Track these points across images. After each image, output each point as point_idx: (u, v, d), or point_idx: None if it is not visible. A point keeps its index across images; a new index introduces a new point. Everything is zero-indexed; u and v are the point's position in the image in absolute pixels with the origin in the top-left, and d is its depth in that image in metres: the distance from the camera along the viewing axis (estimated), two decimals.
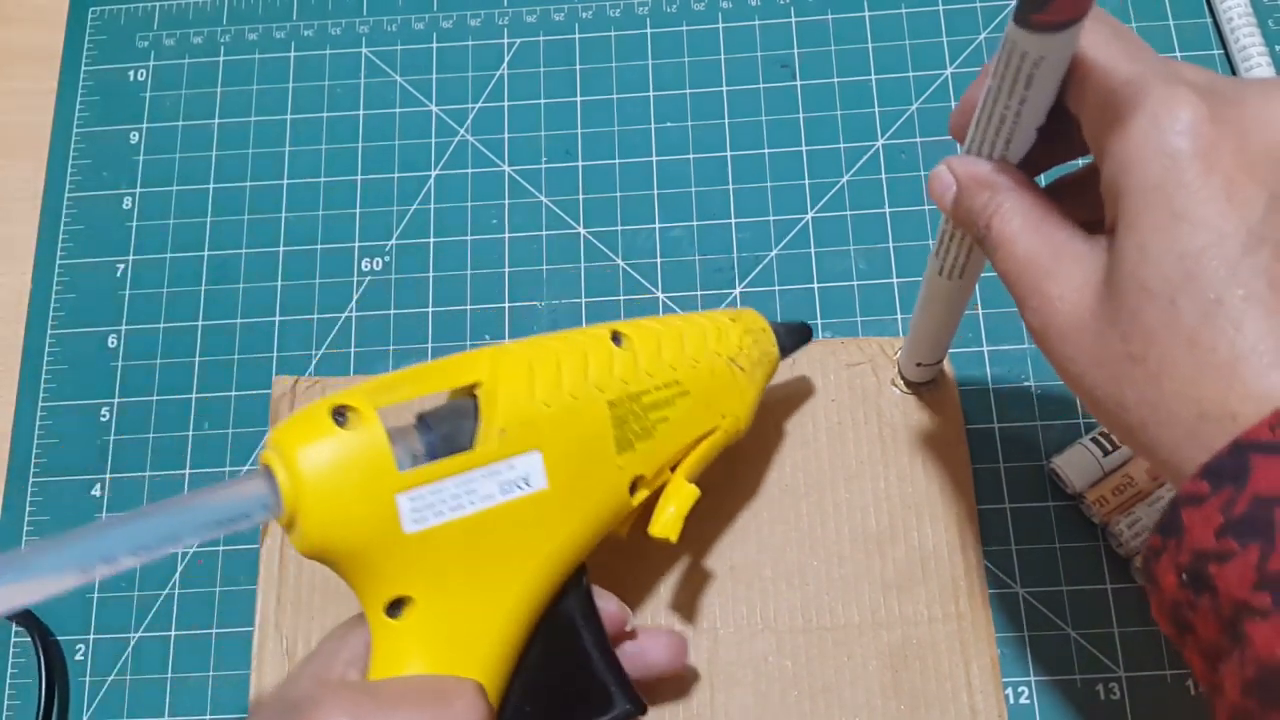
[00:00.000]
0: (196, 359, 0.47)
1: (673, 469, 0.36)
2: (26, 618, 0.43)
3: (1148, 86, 0.25)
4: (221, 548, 0.44)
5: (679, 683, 0.40)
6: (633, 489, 0.34)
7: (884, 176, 0.47)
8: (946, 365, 0.43)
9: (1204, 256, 0.23)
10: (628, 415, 0.33)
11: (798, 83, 0.49)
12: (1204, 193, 0.24)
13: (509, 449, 0.31)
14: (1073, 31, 0.24)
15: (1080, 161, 0.32)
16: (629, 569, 0.41)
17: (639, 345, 0.35)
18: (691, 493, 0.35)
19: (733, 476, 0.42)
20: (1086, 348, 0.26)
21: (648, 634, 0.37)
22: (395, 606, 0.30)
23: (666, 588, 0.41)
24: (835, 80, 0.49)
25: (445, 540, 0.30)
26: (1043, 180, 0.31)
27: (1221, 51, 0.48)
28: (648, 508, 0.35)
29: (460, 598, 0.30)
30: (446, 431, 0.31)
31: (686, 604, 0.41)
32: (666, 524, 0.35)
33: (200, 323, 0.47)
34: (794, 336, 0.40)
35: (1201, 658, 0.24)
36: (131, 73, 0.52)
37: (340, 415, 0.29)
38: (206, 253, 0.48)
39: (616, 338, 0.35)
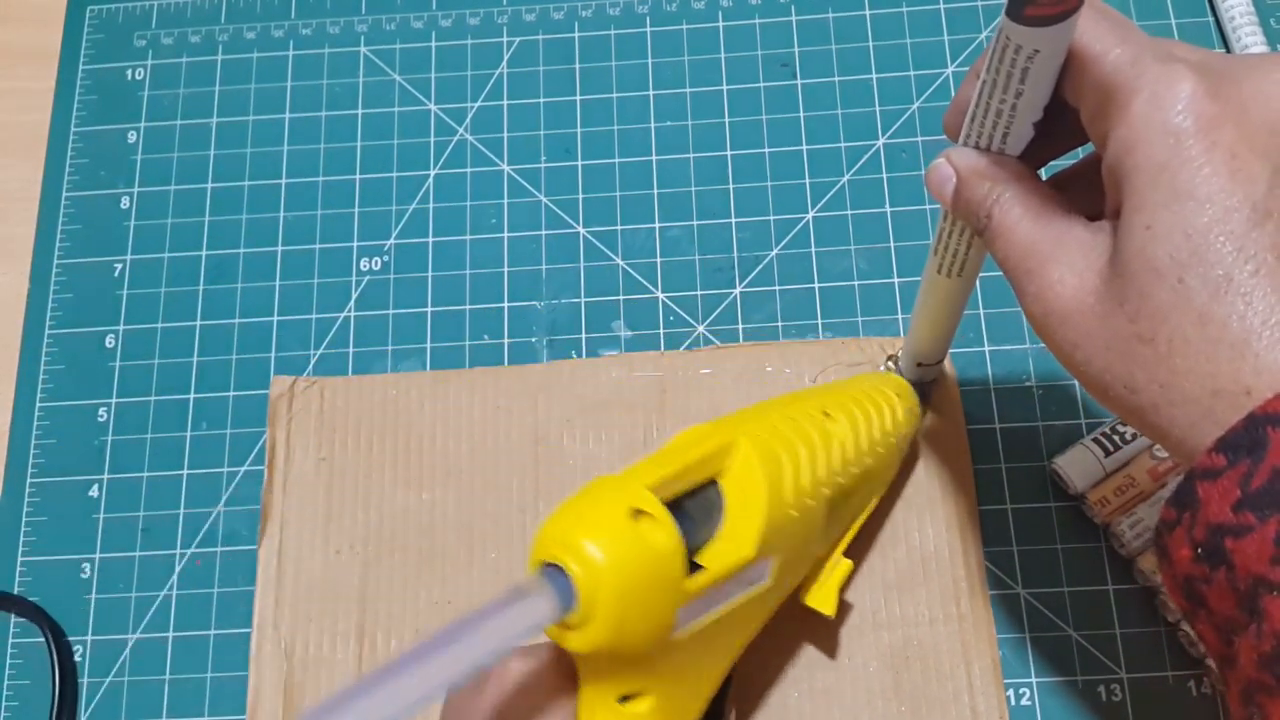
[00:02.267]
0: (195, 359, 0.46)
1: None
2: (39, 616, 0.42)
3: (1143, 66, 0.25)
4: (220, 549, 0.44)
5: None
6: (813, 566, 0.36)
7: (885, 176, 0.47)
8: (947, 365, 0.43)
9: (1210, 233, 0.23)
10: (835, 506, 0.34)
11: (798, 81, 0.49)
12: (1208, 169, 0.24)
13: (760, 554, 0.30)
14: (1068, 24, 0.24)
15: (1079, 153, 0.31)
16: None
17: (846, 433, 0.35)
18: (847, 566, 0.37)
19: None
20: (1092, 331, 0.26)
21: None
22: (628, 697, 0.29)
23: None
24: (836, 79, 0.49)
25: (692, 639, 0.29)
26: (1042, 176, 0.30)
27: (1223, 51, 0.48)
28: None
29: (684, 688, 0.30)
30: (700, 523, 0.30)
31: None
32: (824, 599, 0.36)
33: (198, 323, 0.47)
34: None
35: (1214, 631, 0.24)
36: (129, 72, 0.52)
37: (634, 515, 0.27)
38: (204, 252, 0.48)
39: (825, 414, 0.35)
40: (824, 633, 0.40)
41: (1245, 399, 0.23)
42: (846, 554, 0.37)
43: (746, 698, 0.39)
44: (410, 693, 0.23)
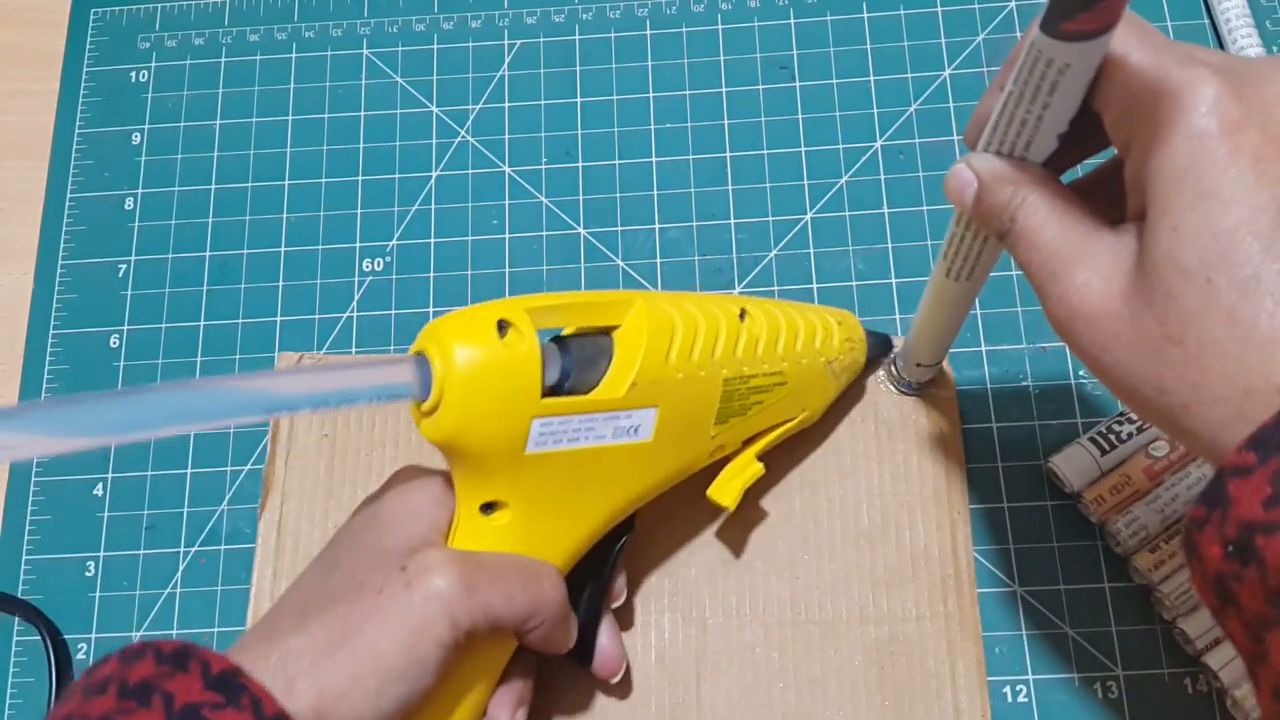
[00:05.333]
0: (198, 359, 0.47)
1: (745, 443, 0.39)
2: (36, 615, 0.43)
3: (1166, 70, 0.25)
4: (222, 547, 0.44)
5: (667, 671, 0.40)
6: (712, 455, 0.37)
7: (882, 177, 0.47)
8: (945, 365, 0.43)
9: (1238, 234, 0.23)
10: (734, 393, 0.36)
11: (796, 84, 0.49)
12: (1234, 171, 0.24)
13: (633, 401, 0.33)
14: (1103, 40, 0.24)
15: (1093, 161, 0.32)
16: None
17: (761, 330, 0.37)
18: (758, 470, 0.39)
19: None
20: (1120, 334, 0.26)
21: (611, 634, 0.38)
22: (489, 507, 0.32)
23: (658, 576, 0.42)
24: (834, 81, 0.49)
25: (552, 465, 0.32)
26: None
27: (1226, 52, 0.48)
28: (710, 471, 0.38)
29: (547, 515, 0.33)
30: (581, 363, 0.33)
31: (676, 593, 0.41)
32: (729, 493, 0.38)
33: (202, 323, 0.47)
34: (879, 348, 0.42)
35: (1244, 628, 0.24)
36: (133, 74, 0.52)
37: (502, 327, 0.31)
38: (208, 253, 0.48)
39: (742, 314, 0.37)
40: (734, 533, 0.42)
41: (1276, 397, 0.23)
42: (763, 459, 0.39)
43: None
44: (282, 390, 0.27)
